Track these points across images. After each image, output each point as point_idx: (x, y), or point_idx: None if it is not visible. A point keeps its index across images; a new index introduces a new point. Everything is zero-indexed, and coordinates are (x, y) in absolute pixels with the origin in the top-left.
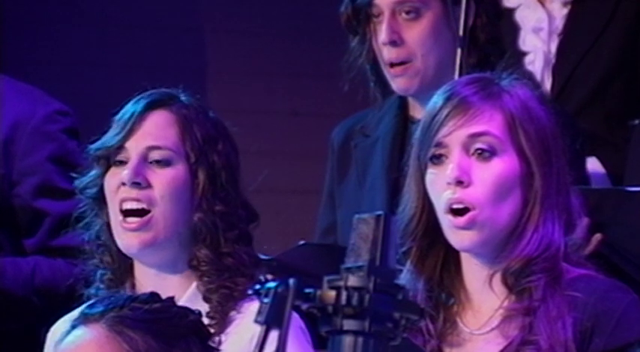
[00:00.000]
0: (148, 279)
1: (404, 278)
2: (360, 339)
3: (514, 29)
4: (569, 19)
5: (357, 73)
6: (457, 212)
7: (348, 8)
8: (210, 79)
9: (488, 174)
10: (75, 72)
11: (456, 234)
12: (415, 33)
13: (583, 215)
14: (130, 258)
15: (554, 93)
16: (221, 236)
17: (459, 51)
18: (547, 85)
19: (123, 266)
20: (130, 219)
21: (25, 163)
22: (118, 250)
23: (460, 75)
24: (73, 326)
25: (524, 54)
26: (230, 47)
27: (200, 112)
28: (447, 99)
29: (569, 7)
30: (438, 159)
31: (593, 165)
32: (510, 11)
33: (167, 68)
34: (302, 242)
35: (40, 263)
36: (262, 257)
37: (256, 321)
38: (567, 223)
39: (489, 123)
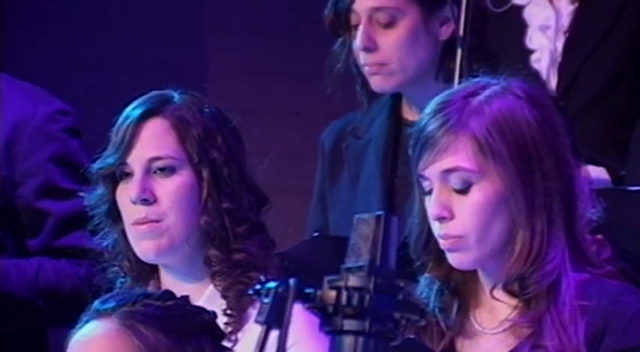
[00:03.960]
0: (170, 280)
1: (421, 287)
2: (361, 339)
3: (521, 27)
4: (576, 15)
5: (346, 75)
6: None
7: (330, 13)
8: (210, 79)
9: (468, 206)
10: (75, 72)
11: (450, 257)
12: (390, 40)
13: (595, 200)
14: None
15: (560, 93)
16: (230, 234)
17: (459, 51)
18: (553, 83)
19: (143, 271)
20: (143, 226)
21: (27, 164)
22: (136, 256)
23: (460, 75)
24: (86, 321)
25: (530, 52)
26: (230, 47)
27: (195, 110)
28: (416, 136)
29: (576, 3)
30: (427, 187)
31: (597, 173)
32: (519, 8)
33: (167, 68)
34: (316, 234)
35: (44, 264)
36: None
37: (256, 321)
38: (569, 219)
39: (456, 156)
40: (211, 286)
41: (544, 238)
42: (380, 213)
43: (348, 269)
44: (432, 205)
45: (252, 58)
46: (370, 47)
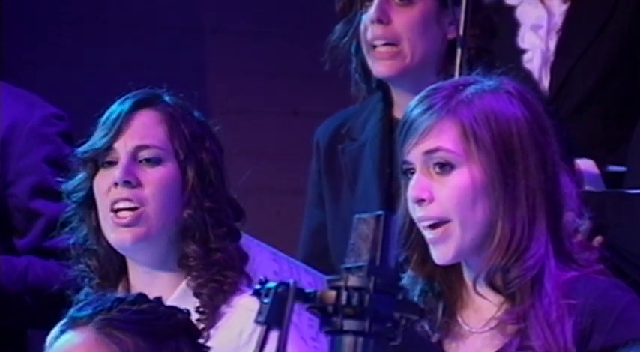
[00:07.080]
0: (140, 278)
1: (405, 282)
2: (361, 339)
3: (513, 27)
4: (568, 15)
5: (346, 75)
6: (430, 227)
7: None
8: (210, 79)
9: (447, 188)
10: (74, 72)
11: (434, 251)
12: (404, 17)
13: (583, 209)
14: (120, 260)
15: (552, 92)
16: (210, 232)
17: (459, 51)
18: (545, 83)
19: (111, 269)
20: (122, 214)
21: (21, 164)
22: (106, 254)
23: (460, 75)
24: (62, 331)
25: (522, 52)
26: (230, 47)
27: (185, 111)
28: (402, 124)
29: (568, 3)
30: (412, 175)
31: (586, 165)
32: (511, 9)
33: (167, 68)
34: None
35: (34, 262)
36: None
37: (256, 321)
38: (553, 217)
39: (440, 138)
40: (183, 284)
41: (525, 232)
42: (380, 212)
43: (348, 269)
44: (411, 187)
45: (252, 58)
46: (383, 19)
